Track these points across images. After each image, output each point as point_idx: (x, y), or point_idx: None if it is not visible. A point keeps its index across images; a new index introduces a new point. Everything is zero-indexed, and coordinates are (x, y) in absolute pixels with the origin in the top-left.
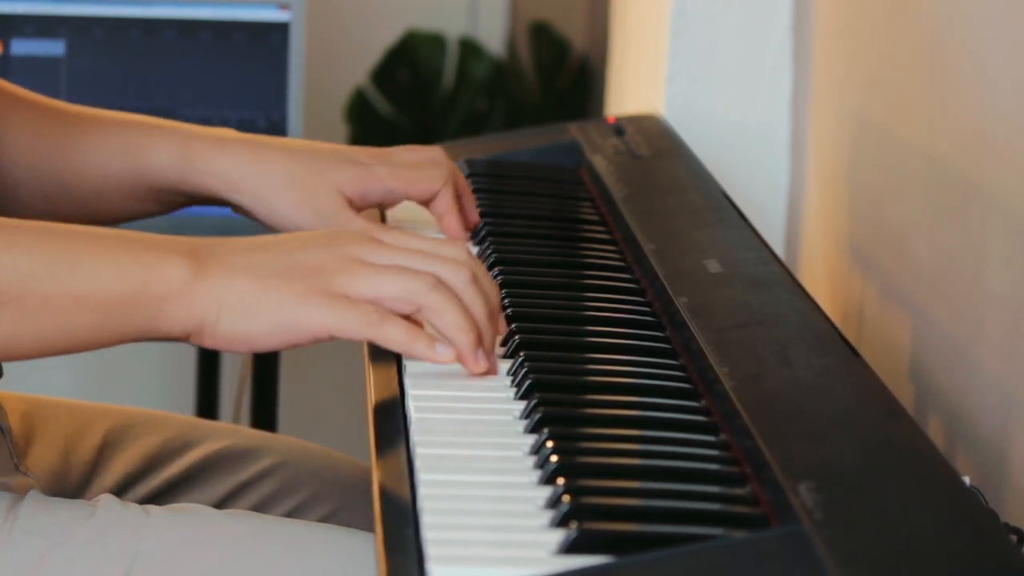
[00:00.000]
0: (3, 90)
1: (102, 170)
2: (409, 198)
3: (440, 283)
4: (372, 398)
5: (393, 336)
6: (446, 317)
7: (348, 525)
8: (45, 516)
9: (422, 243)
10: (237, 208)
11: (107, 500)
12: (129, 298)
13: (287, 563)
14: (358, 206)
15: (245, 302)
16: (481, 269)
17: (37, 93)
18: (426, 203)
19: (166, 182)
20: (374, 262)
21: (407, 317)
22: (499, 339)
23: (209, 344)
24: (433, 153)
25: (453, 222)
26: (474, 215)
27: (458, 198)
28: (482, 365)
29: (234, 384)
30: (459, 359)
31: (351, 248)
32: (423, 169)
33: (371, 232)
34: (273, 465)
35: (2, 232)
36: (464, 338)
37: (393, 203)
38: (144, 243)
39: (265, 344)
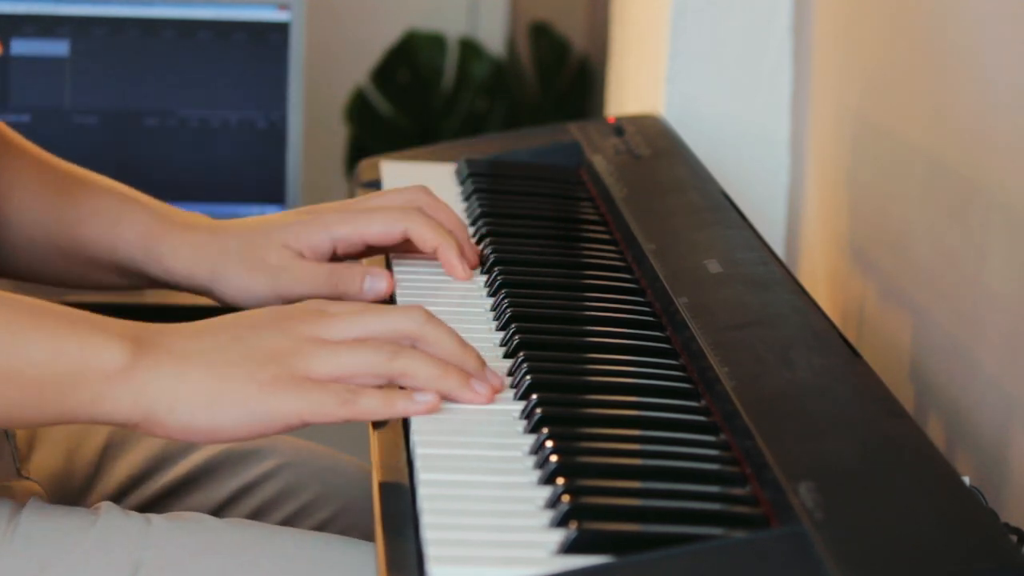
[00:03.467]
0: (11, 143)
1: (90, 243)
2: (368, 243)
3: (400, 349)
4: None
5: (371, 407)
6: (419, 376)
7: (351, 526)
8: (46, 524)
9: (371, 307)
10: (198, 291)
11: (108, 508)
12: (62, 378)
13: (289, 574)
14: (311, 257)
15: (203, 393)
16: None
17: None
18: (420, 249)
19: (131, 261)
20: (329, 338)
21: None
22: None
23: (160, 434)
24: (405, 194)
25: (448, 256)
26: (471, 251)
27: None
28: (483, 392)
29: None
30: (457, 400)
31: (302, 327)
32: (380, 211)
33: (317, 305)
34: (277, 466)
35: None
36: (446, 383)
37: (352, 250)
38: (87, 322)
39: (231, 435)
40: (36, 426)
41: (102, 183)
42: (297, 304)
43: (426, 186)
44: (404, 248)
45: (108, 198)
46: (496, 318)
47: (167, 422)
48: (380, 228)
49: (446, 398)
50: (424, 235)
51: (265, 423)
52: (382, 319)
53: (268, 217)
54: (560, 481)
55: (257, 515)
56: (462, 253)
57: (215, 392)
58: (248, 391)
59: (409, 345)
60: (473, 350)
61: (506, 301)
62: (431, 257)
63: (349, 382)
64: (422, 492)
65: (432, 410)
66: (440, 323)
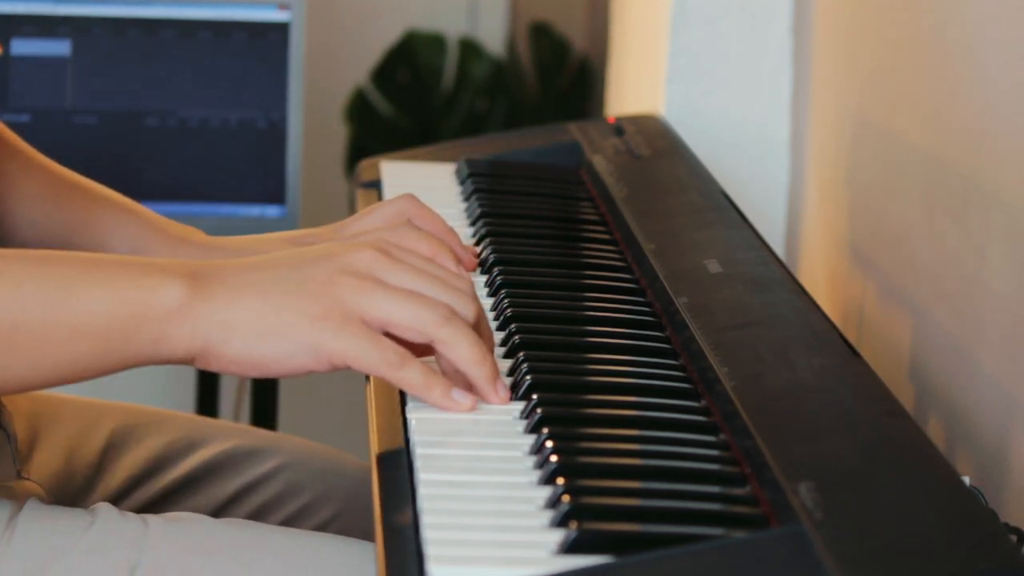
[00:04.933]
0: (11, 146)
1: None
2: None
3: (453, 315)
4: (372, 398)
5: (411, 380)
6: (459, 351)
7: (352, 526)
8: (44, 526)
9: (433, 267)
10: None
11: (106, 510)
12: (127, 324)
13: (287, 574)
14: None
15: (257, 323)
16: (482, 310)
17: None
18: None
19: None
20: (386, 281)
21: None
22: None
23: (215, 367)
24: (393, 207)
25: (444, 264)
26: (466, 255)
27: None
28: (502, 395)
29: (234, 383)
30: (478, 391)
31: (361, 261)
32: (367, 236)
33: (380, 243)
34: (278, 466)
35: None
36: (479, 371)
37: None
38: (140, 266)
39: (280, 368)
40: (104, 375)
41: (97, 192)
42: (361, 239)
43: (412, 193)
44: None
45: (102, 209)
46: (496, 318)
47: (222, 353)
48: None
49: (470, 384)
50: (418, 249)
51: (312, 358)
52: (443, 289)
53: (260, 240)
54: (560, 481)
55: (258, 515)
56: (458, 259)
57: (268, 323)
58: (300, 323)
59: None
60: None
61: (506, 301)
62: None
63: (395, 331)
64: (422, 492)
65: (463, 410)
66: (486, 322)
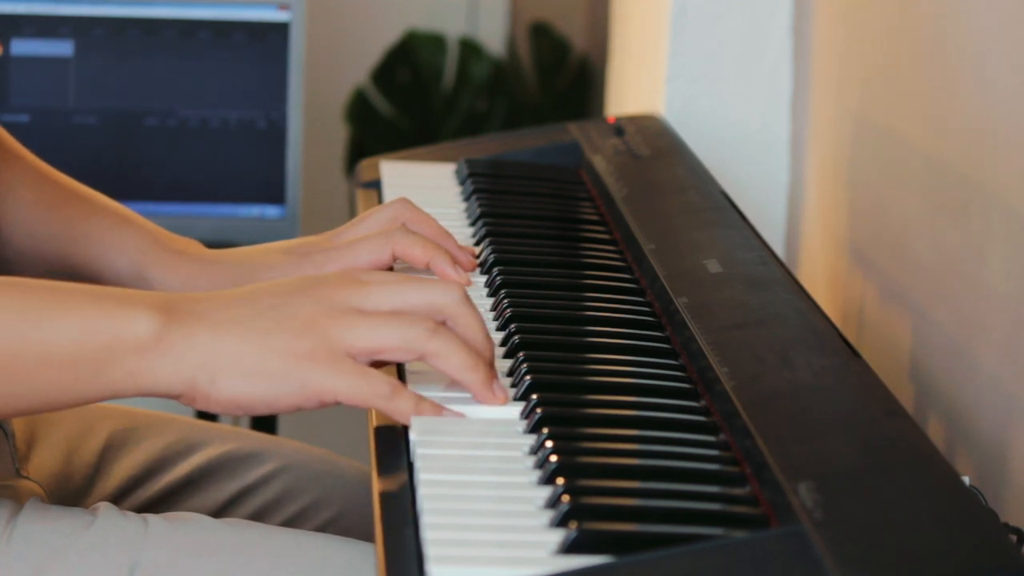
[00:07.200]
0: (9, 149)
1: (79, 264)
2: None
3: (438, 327)
4: None
5: (402, 409)
6: (451, 361)
7: (351, 529)
8: (44, 525)
9: (407, 277)
10: None
11: (106, 509)
12: (97, 354)
13: (287, 573)
14: None
15: (243, 364)
16: (480, 316)
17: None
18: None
19: (119, 286)
20: (366, 308)
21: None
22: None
23: (202, 406)
24: (387, 212)
25: (441, 268)
26: (463, 256)
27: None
28: (499, 396)
29: None
30: (475, 396)
31: (339, 295)
32: (364, 241)
33: (352, 274)
34: (276, 469)
35: None
36: (473, 376)
37: None
38: (112, 297)
39: (267, 408)
40: (78, 405)
41: (97, 203)
42: (332, 272)
43: (406, 197)
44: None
45: (101, 221)
46: (496, 318)
47: (209, 394)
48: (368, 258)
49: (466, 389)
50: (413, 253)
51: (303, 397)
52: (420, 291)
53: (258, 252)
54: (560, 481)
55: (256, 518)
56: (454, 260)
57: (254, 363)
58: (287, 363)
59: (441, 321)
60: (492, 345)
61: (506, 301)
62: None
63: (385, 356)
64: (422, 492)
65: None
66: (474, 307)
